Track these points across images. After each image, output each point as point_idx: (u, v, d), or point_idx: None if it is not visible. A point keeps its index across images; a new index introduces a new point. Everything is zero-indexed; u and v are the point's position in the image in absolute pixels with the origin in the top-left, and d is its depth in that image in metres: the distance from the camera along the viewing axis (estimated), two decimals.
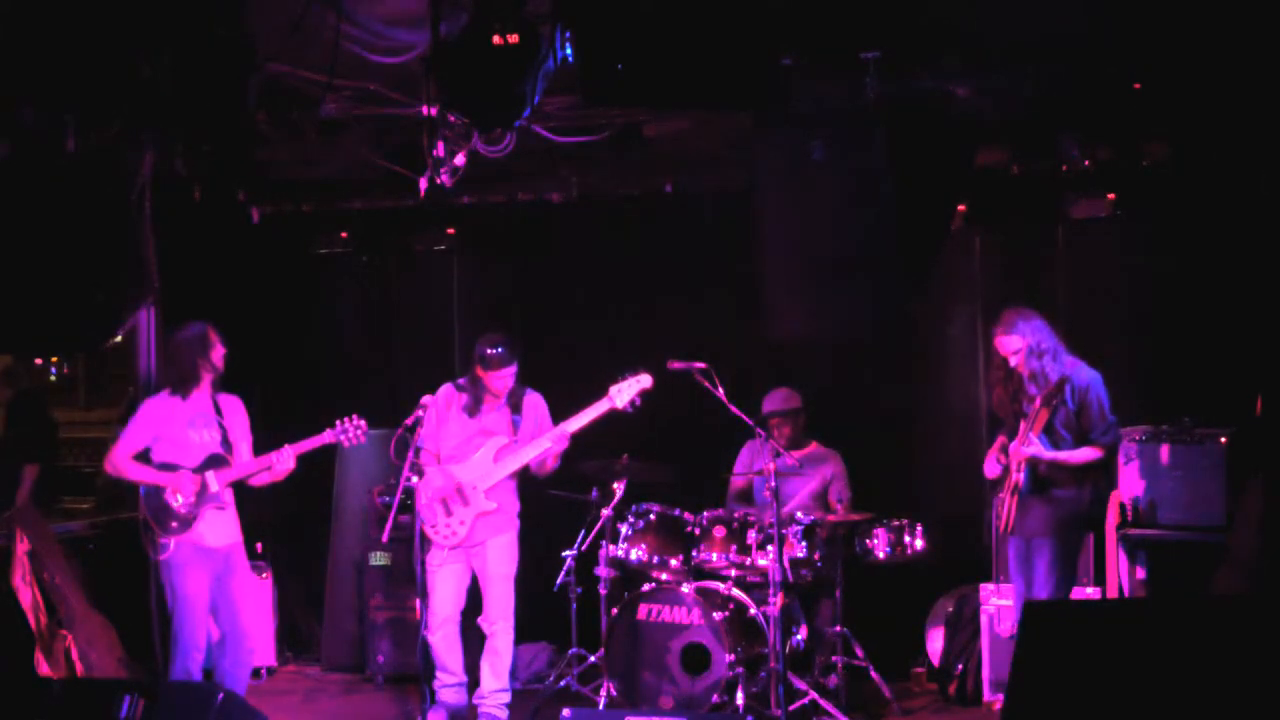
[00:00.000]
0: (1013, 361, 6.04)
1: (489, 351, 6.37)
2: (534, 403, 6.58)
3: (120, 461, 6.11)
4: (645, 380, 6.37)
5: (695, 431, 7.36)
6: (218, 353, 6.15)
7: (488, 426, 6.51)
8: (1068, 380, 5.91)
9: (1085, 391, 5.93)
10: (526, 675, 7.44)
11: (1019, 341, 5.98)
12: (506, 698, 6.55)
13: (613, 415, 6.46)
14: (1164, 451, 6.68)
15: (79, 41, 5.01)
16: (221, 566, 6.13)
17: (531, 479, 6.60)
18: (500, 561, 6.46)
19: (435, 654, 6.53)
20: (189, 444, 6.10)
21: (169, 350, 6.24)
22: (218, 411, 6.19)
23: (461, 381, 6.57)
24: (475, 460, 6.46)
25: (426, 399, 6.35)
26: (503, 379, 6.41)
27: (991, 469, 6.16)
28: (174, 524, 6.04)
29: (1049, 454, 5.89)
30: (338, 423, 6.19)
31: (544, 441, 6.37)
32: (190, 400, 6.14)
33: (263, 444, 6.33)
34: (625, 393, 6.34)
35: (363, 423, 6.21)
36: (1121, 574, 6.69)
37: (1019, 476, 5.94)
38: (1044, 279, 7.31)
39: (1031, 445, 5.88)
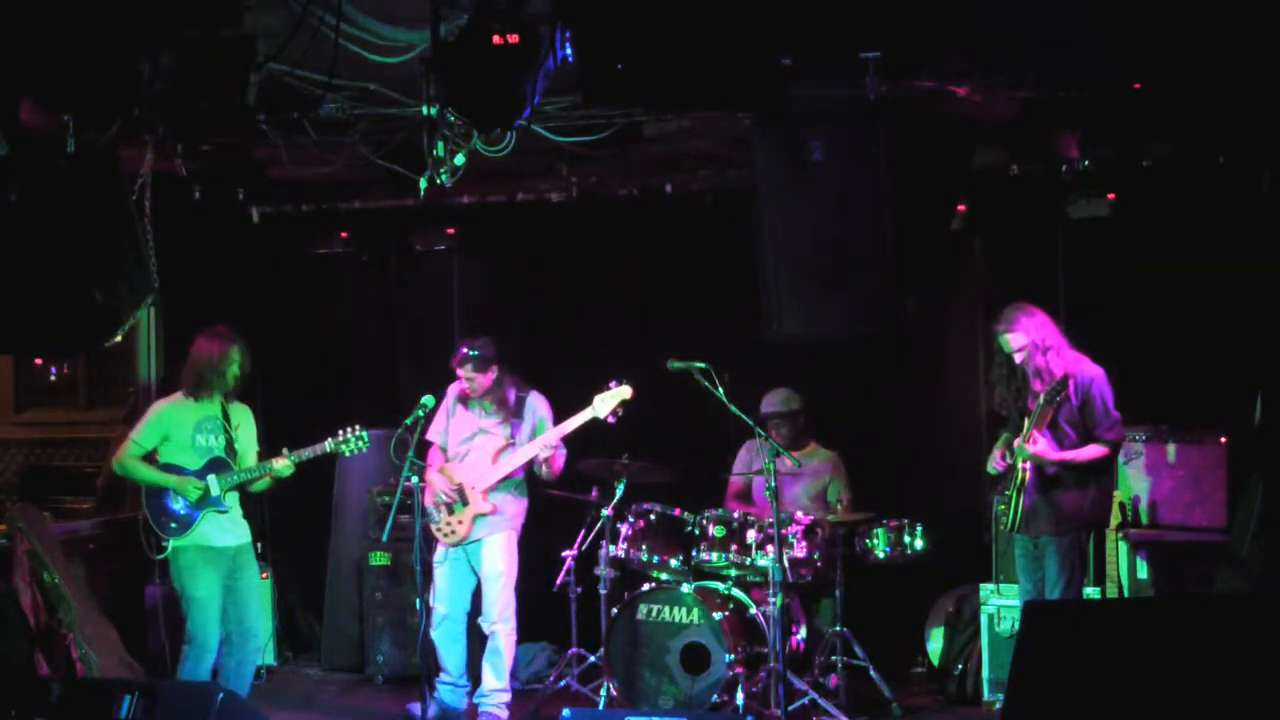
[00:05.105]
0: (1017, 358, 5.99)
1: (457, 352, 6.44)
2: (535, 405, 6.59)
3: (128, 461, 6.14)
4: (626, 391, 6.37)
5: (695, 431, 7.35)
6: (238, 369, 6.15)
7: (486, 427, 6.52)
8: (1071, 376, 5.86)
9: (1089, 387, 5.89)
10: (526, 675, 7.43)
11: (1022, 338, 5.94)
12: (507, 698, 6.56)
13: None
14: (1164, 451, 6.68)
15: (79, 41, 5.02)
16: (230, 566, 6.15)
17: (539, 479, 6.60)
18: (496, 560, 6.47)
19: (437, 652, 6.55)
20: (194, 447, 6.11)
21: (191, 353, 6.21)
22: (226, 418, 6.19)
23: None
24: (473, 460, 6.48)
25: (427, 398, 6.35)
26: (463, 380, 6.45)
27: (997, 465, 6.12)
28: (173, 525, 6.07)
29: (1056, 454, 5.85)
30: (338, 432, 6.18)
31: (533, 448, 6.39)
32: (201, 404, 6.16)
33: (262, 441, 6.33)
34: (608, 403, 6.35)
35: (363, 433, 6.18)
36: (1121, 574, 6.68)
37: (1026, 472, 5.91)
38: (1044, 279, 7.30)
39: (1037, 444, 5.84)
